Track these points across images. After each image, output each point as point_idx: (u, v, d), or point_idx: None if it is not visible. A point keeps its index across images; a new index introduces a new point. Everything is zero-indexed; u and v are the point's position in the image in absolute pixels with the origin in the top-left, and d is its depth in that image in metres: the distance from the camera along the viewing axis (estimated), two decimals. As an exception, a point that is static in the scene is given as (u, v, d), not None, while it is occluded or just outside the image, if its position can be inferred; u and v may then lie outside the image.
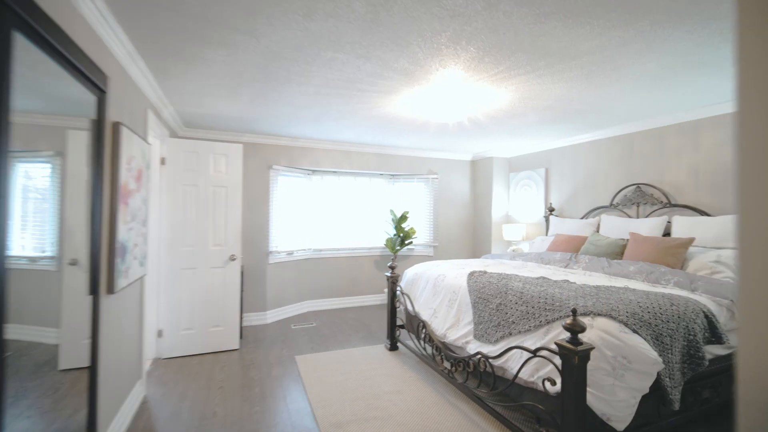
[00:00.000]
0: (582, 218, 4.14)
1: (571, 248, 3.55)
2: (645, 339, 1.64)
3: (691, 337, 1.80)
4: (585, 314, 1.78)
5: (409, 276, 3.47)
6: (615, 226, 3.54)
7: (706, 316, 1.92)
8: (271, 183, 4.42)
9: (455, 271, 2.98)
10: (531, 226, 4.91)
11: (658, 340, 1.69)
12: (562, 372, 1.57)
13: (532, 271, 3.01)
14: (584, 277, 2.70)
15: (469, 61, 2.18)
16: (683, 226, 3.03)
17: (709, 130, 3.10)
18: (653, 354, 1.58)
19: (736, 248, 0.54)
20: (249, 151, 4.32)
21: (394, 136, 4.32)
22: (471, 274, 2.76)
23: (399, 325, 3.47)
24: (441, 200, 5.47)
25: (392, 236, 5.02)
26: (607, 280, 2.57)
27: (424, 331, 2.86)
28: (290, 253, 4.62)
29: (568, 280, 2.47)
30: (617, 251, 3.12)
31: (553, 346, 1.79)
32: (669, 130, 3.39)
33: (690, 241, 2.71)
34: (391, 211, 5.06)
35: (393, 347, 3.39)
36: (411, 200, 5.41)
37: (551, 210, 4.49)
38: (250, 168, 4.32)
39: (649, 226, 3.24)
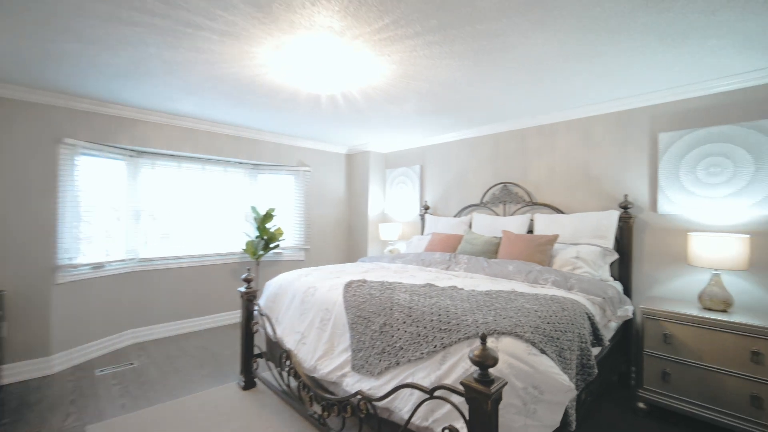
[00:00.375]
0: (455, 216, 4.12)
1: (449, 247, 3.40)
2: (552, 360, 1.37)
3: (583, 344, 1.65)
4: (489, 334, 1.44)
5: (270, 290, 2.73)
6: (486, 224, 3.56)
7: (589, 318, 1.84)
8: (62, 164, 3.00)
9: (329, 282, 2.41)
10: (407, 225, 4.73)
11: (561, 357, 1.45)
12: (470, 420, 1.16)
13: (415, 275, 2.66)
14: (468, 280, 2.47)
15: (346, 4, 1.62)
16: (543, 223, 3.17)
17: (564, 133, 3.33)
18: (565, 379, 1.31)
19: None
20: (14, 111, 2.83)
21: (255, 114, 3.47)
22: (348, 285, 2.22)
23: (256, 354, 2.70)
24: (313, 197, 4.83)
25: (254, 239, 4.13)
26: (491, 282, 2.39)
27: (288, 362, 2.19)
28: (99, 266, 3.26)
29: (455, 286, 2.17)
30: (492, 249, 3.07)
31: (453, 380, 1.39)
32: (531, 132, 3.57)
33: (555, 238, 2.79)
34: (253, 208, 4.16)
35: (249, 385, 2.60)
36: (278, 196, 4.61)
37: (426, 208, 4.37)
38: (18, 139, 2.83)
39: (516, 223, 3.32)
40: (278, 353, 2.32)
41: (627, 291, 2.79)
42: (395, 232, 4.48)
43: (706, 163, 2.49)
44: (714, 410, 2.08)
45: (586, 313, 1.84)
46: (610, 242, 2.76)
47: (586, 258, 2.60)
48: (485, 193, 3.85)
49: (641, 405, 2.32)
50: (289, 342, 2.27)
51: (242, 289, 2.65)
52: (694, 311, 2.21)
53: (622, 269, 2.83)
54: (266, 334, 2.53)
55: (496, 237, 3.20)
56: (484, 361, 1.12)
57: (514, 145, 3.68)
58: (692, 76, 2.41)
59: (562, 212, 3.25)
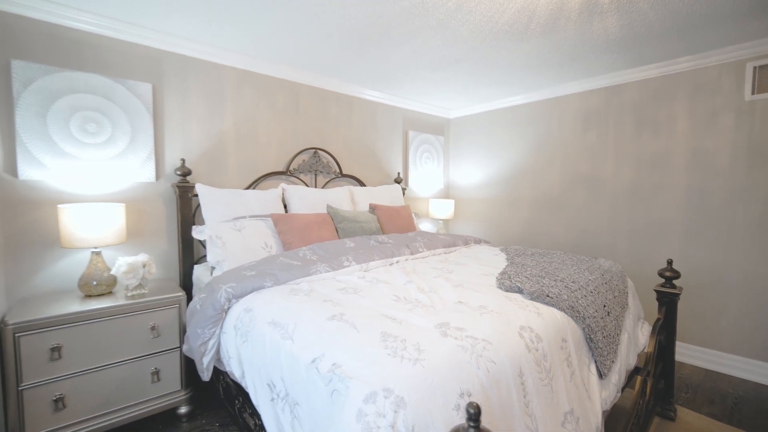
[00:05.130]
0: (250, 188, 2.73)
1: (327, 233, 2.48)
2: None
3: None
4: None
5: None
6: (306, 198, 2.86)
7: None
8: None
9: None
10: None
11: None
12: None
13: (382, 292, 1.76)
14: (435, 272, 2.02)
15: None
16: (361, 195, 3.28)
17: (358, 109, 3.47)
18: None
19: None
20: None
21: None
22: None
23: None
24: None
25: None
26: (449, 265, 2.22)
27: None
28: None
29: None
30: (376, 226, 2.79)
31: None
32: (330, 96, 3.26)
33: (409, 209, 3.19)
34: None
35: None
36: None
37: (186, 174, 2.41)
38: None
39: (337, 196, 3.08)
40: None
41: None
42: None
43: (81, 117, 2.03)
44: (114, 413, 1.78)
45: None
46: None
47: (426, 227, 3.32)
48: (292, 160, 2.96)
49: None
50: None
51: None
52: (77, 304, 1.75)
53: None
54: None
55: (363, 212, 2.85)
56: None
57: (315, 106, 3.16)
58: None
59: (364, 184, 3.50)
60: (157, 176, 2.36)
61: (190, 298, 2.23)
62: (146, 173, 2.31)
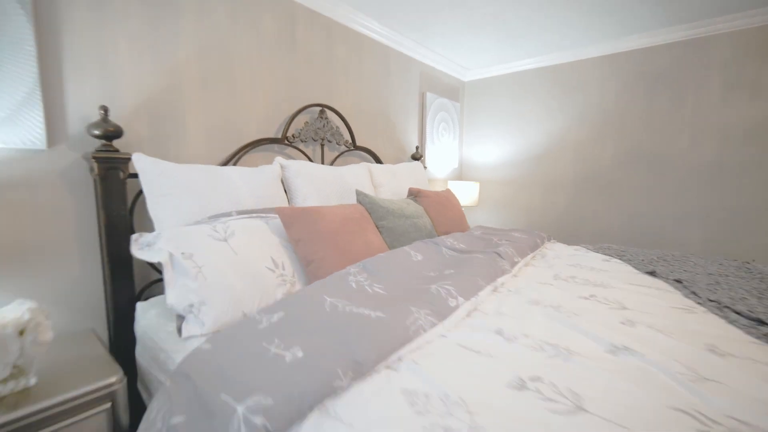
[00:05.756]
0: (228, 164, 1.66)
1: (372, 237, 1.52)
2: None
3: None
4: None
5: None
6: (320, 180, 1.86)
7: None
8: None
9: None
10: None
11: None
12: None
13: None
14: (587, 304, 1.43)
15: None
16: (383, 176, 2.34)
17: (369, 54, 2.48)
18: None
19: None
20: None
21: None
22: None
23: None
24: None
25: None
26: (578, 286, 1.62)
27: None
28: None
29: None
30: (429, 222, 1.89)
31: None
32: (337, 30, 2.23)
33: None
34: None
35: None
36: None
37: (111, 137, 1.28)
38: None
39: (355, 176, 2.11)
40: None
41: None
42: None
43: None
44: None
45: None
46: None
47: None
48: (290, 121, 1.91)
49: None
50: None
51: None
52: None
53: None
54: None
55: (407, 201, 1.92)
56: None
57: (318, 38, 2.12)
58: None
59: (381, 161, 2.55)
60: (51, 139, 1.23)
61: (132, 380, 1.19)
62: (25, 131, 1.16)
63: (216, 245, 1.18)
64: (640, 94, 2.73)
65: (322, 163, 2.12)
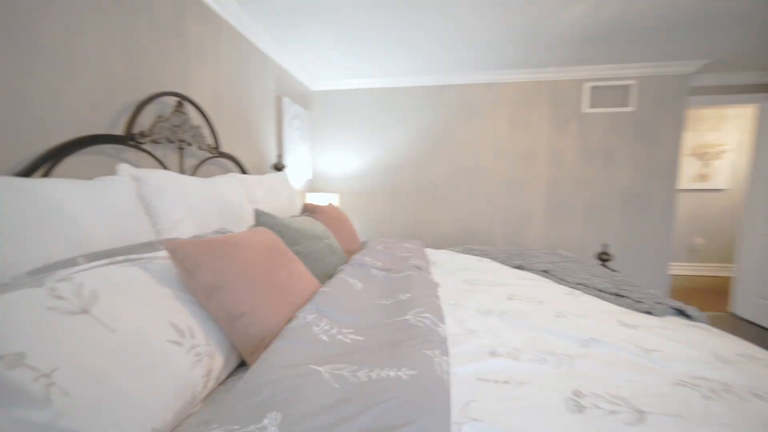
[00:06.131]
0: (34, 174, 0.94)
1: (296, 268, 1.18)
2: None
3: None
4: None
5: None
6: (191, 197, 1.36)
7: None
8: None
9: None
10: None
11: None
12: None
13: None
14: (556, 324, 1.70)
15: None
16: (258, 190, 1.96)
17: (227, 42, 2.02)
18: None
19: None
20: None
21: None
22: None
23: None
24: None
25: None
26: (502, 302, 1.87)
27: None
28: None
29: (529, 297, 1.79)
30: (336, 241, 1.65)
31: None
32: (191, 2, 1.70)
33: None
34: None
35: None
36: None
37: None
38: None
39: (231, 192, 1.70)
40: None
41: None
42: None
43: None
44: None
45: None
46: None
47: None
48: (136, 113, 1.28)
49: None
50: None
51: None
52: None
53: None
54: None
55: (310, 220, 1.60)
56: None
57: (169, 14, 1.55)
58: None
59: (246, 171, 2.11)
60: None
61: None
62: None
63: (69, 323, 0.66)
64: (463, 120, 3.37)
65: (181, 172, 1.57)
